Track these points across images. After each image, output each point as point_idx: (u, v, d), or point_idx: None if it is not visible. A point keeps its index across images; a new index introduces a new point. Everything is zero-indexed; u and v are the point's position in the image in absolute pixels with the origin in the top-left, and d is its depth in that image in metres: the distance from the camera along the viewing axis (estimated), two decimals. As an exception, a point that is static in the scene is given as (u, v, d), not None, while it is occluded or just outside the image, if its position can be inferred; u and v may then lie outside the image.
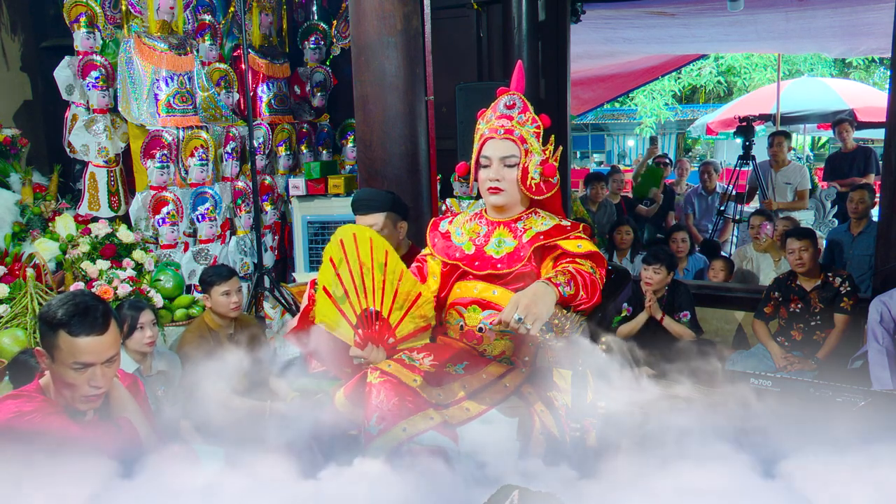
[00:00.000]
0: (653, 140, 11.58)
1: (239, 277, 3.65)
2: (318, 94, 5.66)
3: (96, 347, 1.80)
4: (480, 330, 2.21)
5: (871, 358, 3.64)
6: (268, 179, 5.31)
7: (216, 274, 3.52)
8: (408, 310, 2.18)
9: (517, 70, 2.30)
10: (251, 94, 4.96)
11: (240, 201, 5.10)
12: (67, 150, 4.72)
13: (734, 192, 6.44)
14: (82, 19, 4.60)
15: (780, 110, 8.56)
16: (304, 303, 2.31)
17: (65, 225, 4.47)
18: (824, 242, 5.12)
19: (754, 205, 6.90)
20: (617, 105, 15.13)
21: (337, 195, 4.97)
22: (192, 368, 3.17)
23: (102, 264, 4.24)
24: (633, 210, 6.63)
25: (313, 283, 2.81)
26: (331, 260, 2.06)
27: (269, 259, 5.27)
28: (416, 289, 2.19)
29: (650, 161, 7.69)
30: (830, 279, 4.00)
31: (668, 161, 7.29)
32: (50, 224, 4.49)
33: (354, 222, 2.95)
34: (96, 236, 4.37)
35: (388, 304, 2.13)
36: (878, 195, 4.74)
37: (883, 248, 4.09)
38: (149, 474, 1.83)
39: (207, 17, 5.02)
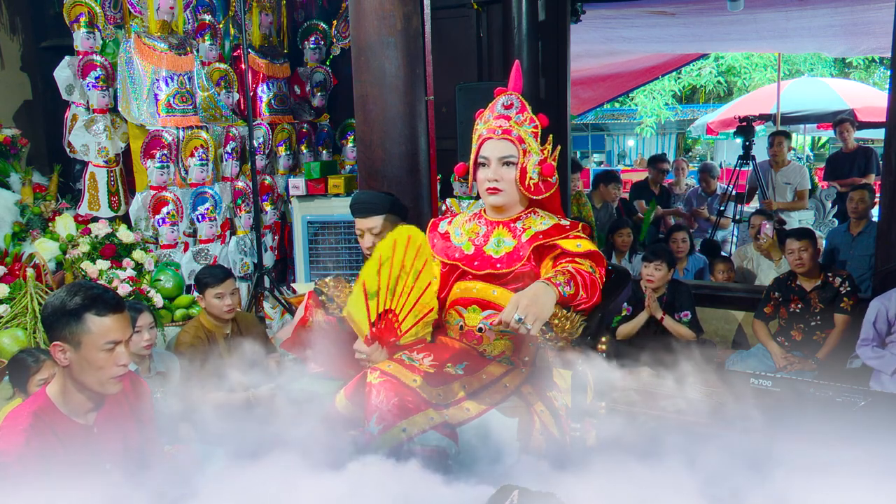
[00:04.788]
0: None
1: (238, 278, 3.63)
2: (318, 94, 5.66)
3: (121, 324, 1.88)
4: (480, 330, 2.21)
5: (861, 353, 3.68)
6: (268, 179, 5.31)
7: (210, 275, 3.45)
8: (420, 319, 2.19)
9: (515, 70, 2.30)
10: (251, 94, 4.96)
11: (240, 201, 5.10)
12: (67, 150, 4.72)
13: (734, 192, 6.43)
14: (82, 19, 4.60)
15: (780, 110, 8.55)
16: (299, 313, 2.31)
17: (65, 225, 4.47)
18: (824, 242, 5.12)
19: (754, 205, 6.90)
20: (617, 105, 15.12)
21: (337, 195, 4.96)
22: (186, 369, 3.17)
23: (102, 264, 4.24)
24: (631, 215, 6.61)
25: (311, 294, 2.82)
26: (379, 256, 2.07)
27: (269, 259, 5.27)
28: (433, 302, 2.20)
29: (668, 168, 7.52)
30: (830, 279, 4.00)
31: (668, 168, 7.24)
32: (50, 224, 4.49)
33: (354, 223, 2.95)
34: (96, 236, 4.37)
35: (406, 308, 2.13)
36: (878, 195, 4.74)
37: (883, 248, 4.09)
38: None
39: (207, 17, 5.01)
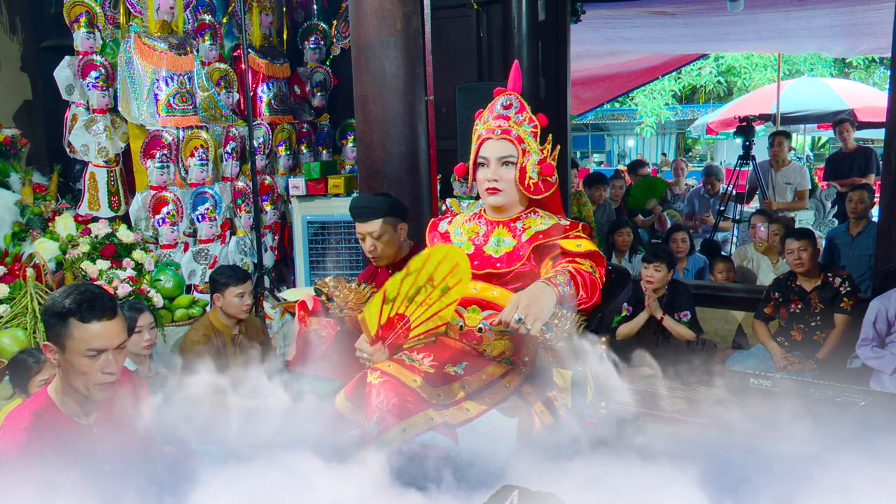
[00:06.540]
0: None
1: None
2: (318, 94, 5.66)
3: (108, 332, 1.83)
4: (480, 330, 2.21)
5: (861, 353, 3.69)
6: (268, 179, 5.31)
7: (233, 276, 3.49)
8: (431, 329, 2.19)
9: (514, 70, 2.30)
10: (251, 94, 4.96)
11: (240, 201, 5.10)
12: (67, 150, 4.72)
13: (734, 192, 6.44)
14: (82, 19, 4.60)
15: (780, 110, 8.55)
16: (296, 326, 2.31)
17: (65, 225, 4.47)
18: (823, 242, 5.12)
19: (754, 205, 6.90)
20: (617, 105, 15.14)
21: (337, 195, 4.96)
22: (192, 368, 3.17)
23: (102, 264, 4.24)
24: (632, 216, 6.62)
25: (302, 304, 2.81)
26: (408, 267, 2.05)
27: (269, 259, 5.27)
28: (448, 317, 2.19)
29: (648, 172, 7.58)
30: (830, 279, 4.00)
31: (647, 173, 7.26)
32: (50, 224, 4.49)
33: (354, 224, 2.95)
34: (96, 236, 4.37)
35: (422, 318, 2.11)
36: (877, 195, 4.74)
37: (883, 248, 4.09)
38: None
39: (207, 17, 5.02)
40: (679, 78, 14.12)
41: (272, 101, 5.40)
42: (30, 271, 4.02)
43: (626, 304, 4.21)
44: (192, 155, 4.76)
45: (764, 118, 8.65)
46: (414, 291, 2.05)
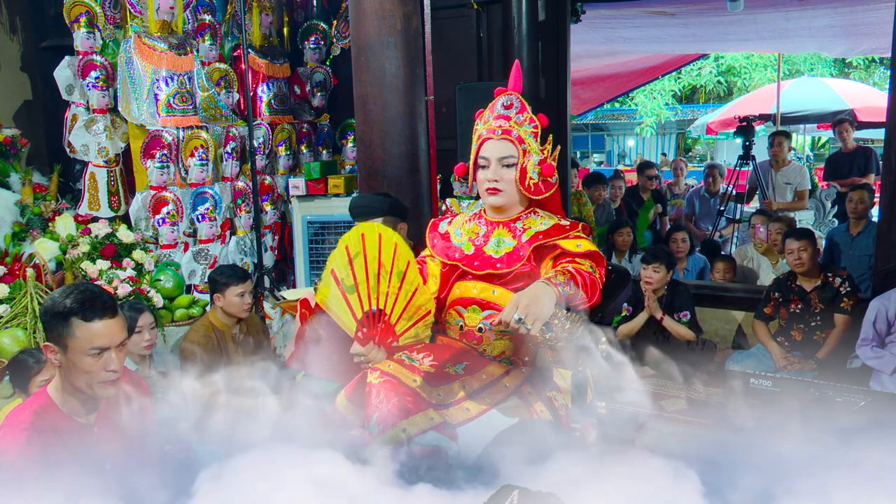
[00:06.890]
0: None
1: None
2: (318, 94, 5.66)
3: (110, 330, 1.84)
4: (480, 330, 2.21)
5: (861, 353, 3.69)
6: (268, 179, 5.32)
7: (233, 275, 3.49)
8: (416, 321, 2.19)
9: (514, 70, 2.30)
10: (251, 94, 4.96)
11: (240, 201, 5.11)
12: (67, 150, 4.72)
13: (734, 192, 6.44)
14: (82, 19, 4.60)
15: (780, 110, 8.56)
16: (295, 325, 2.31)
17: (65, 225, 4.47)
18: (823, 242, 5.12)
19: (754, 205, 6.90)
20: (617, 105, 15.15)
21: (337, 195, 4.97)
22: (191, 367, 3.17)
23: (102, 264, 4.24)
24: (632, 215, 6.61)
25: (304, 302, 2.80)
26: (346, 249, 2.07)
27: (269, 259, 5.27)
28: (428, 305, 2.20)
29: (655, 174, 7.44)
30: (830, 279, 4.00)
31: (656, 175, 7.20)
32: (50, 224, 4.49)
33: (353, 223, 2.95)
34: (96, 236, 4.37)
35: (398, 311, 2.13)
36: (877, 195, 4.74)
37: (883, 248, 4.09)
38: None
39: (207, 17, 5.02)
40: (679, 78, 14.13)
41: (272, 101, 5.41)
42: (30, 271, 4.02)
43: (625, 304, 4.21)
44: (192, 155, 4.76)
45: (764, 118, 8.65)
46: (374, 281, 2.07)
